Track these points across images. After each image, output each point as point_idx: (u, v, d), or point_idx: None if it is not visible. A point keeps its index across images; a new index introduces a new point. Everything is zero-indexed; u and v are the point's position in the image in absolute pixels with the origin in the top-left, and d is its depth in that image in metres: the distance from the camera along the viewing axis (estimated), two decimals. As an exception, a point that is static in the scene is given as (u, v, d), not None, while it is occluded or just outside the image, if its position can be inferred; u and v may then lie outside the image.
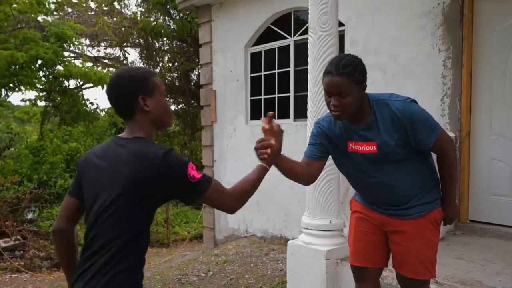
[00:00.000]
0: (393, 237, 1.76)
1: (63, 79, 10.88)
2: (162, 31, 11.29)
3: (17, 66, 9.45)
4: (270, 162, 1.50)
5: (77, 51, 12.46)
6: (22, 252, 6.68)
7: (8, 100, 11.10)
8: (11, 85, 9.86)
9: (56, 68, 10.57)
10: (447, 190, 1.76)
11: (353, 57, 1.62)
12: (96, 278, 1.21)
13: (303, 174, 1.71)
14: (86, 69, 10.86)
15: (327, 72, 1.60)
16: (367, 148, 1.66)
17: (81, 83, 11.66)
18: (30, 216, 8.26)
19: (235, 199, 1.34)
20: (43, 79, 10.83)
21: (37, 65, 10.09)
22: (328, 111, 1.72)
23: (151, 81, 1.35)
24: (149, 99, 1.34)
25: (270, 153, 1.47)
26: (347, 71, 1.56)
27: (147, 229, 1.31)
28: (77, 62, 11.66)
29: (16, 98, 55.15)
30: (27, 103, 12.30)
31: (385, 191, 1.71)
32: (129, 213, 1.24)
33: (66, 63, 10.85)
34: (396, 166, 1.67)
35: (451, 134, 3.55)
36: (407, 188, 1.70)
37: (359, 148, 1.68)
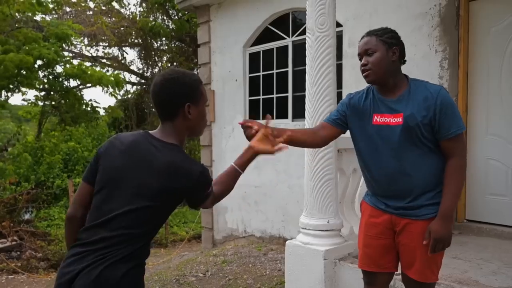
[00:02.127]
0: (401, 239, 1.73)
1: (68, 78, 10.84)
2: (161, 30, 11.30)
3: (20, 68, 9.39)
4: (253, 155, 1.51)
5: (75, 50, 12.45)
6: (18, 253, 6.66)
7: (8, 101, 11.04)
8: (11, 86, 9.83)
9: (56, 68, 10.54)
10: (445, 196, 1.63)
11: (387, 27, 1.75)
12: (113, 267, 1.24)
13: (309, 141, 1.89)
14: (90, 70, 10.82)
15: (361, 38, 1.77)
16: (394, 120, 1.67)
17: (79, 83, 11.63)
18: (27, 216, 8.24)
19: (213, 203, 1.47)
20: (43, 79, 10.79)
21: (37, 65, 10.06)
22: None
23: (199, 90, 1.40)
24: (193, 108, 1.38)
25: (259, 133, 1.61)
26: (376, 33, 1.71)
27: (158, 230, 1.40)
28: (76, 62, 11.63)
29: (15, 98, 54.81)
30: (27, 102, 12.27)
31: (399, 178, 1.68)
32: (153, 215, 1.32)
33: (76, 63, 10.84)
34: (416, 153, 1.66)
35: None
36: (422, 179, 1.66)
37: (385, 119, 1.69)
